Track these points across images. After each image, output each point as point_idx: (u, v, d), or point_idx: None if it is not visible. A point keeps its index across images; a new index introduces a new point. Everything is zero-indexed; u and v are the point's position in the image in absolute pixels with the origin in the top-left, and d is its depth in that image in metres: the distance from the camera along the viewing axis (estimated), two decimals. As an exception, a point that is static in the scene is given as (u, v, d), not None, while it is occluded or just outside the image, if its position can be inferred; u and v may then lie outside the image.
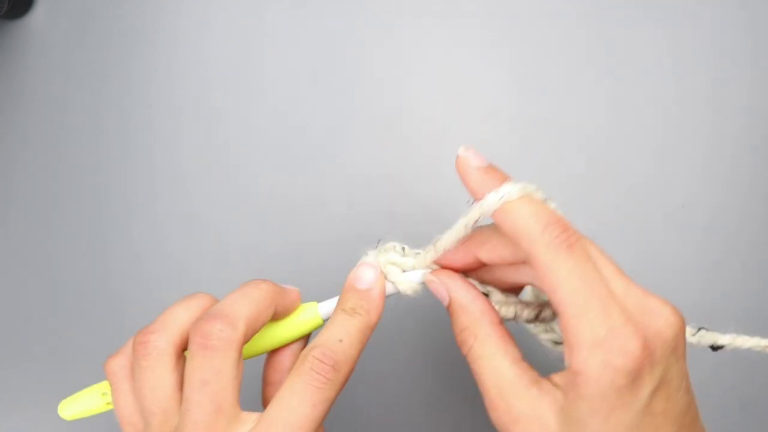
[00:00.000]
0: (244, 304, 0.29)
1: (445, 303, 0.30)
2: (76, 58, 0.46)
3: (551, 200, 0.29)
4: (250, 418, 0.28)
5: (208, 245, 0.44)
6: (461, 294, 0.30)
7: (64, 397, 0.34)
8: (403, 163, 0.44)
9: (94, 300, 0.45)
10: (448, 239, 0.29)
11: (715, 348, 0.31)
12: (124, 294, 0.44)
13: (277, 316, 0.31)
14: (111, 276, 0.45)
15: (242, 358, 0.28)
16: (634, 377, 0.25)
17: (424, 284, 0.31)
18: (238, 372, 0.28)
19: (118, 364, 0.31)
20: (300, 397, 0.27)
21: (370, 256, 0.31)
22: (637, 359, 0.25)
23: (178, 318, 0.30)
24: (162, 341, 0.29)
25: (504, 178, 0.28)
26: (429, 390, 0.43)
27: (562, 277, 0.26)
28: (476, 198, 0.28)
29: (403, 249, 0.31)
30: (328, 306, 0.32)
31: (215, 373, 0.27)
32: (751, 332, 0.43)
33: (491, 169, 0.29)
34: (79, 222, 0.45)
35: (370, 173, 0.44)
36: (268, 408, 0.27)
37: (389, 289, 0.31)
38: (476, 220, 0.28)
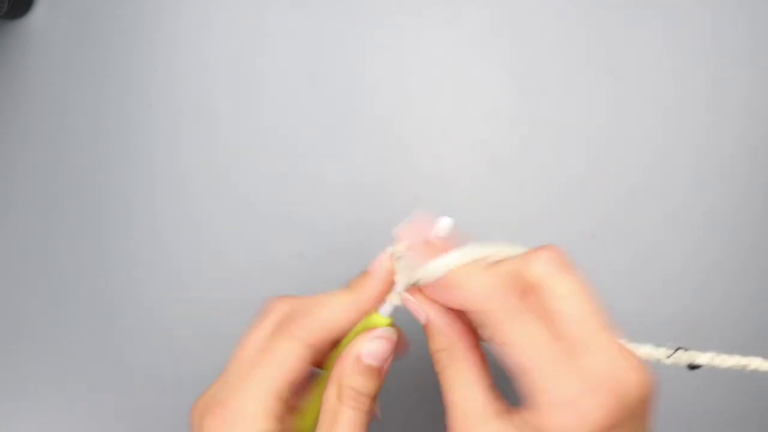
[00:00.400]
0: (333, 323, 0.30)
1: (422, 322, 0.30)
2: (76, 58, 0.46)
3: (491, 247, 0.29)
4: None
5: (208, 245, 0.44)
6: (438, 316, 0.30)
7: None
8: (403, 163, 0.44)
9: (93, 300, 0.45)
10: (401, 284, 0.30)
11: (692, 367, 0.30)
12: (123, 294, 0.44)
13: None
14: (110, 276, 0.45)
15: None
16: None
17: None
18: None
19: None
20: (263, 357, 0.29)
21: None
22: (599, 426, 0.25)
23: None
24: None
25: (451, 246, 0.29)
26: (428, 387, 0.43)
27: (515, 341, 0.26)
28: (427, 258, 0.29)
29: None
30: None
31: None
32: (751, 332, 0.43)
33: (428, 243, 0.29)
34: (79, 222, 0.45)
35: (370, 173, 0.44)
36: None
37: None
38: (416, 282, 0.29)
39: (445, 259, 0.28)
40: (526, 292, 0.27)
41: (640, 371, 0.26)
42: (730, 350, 0.37)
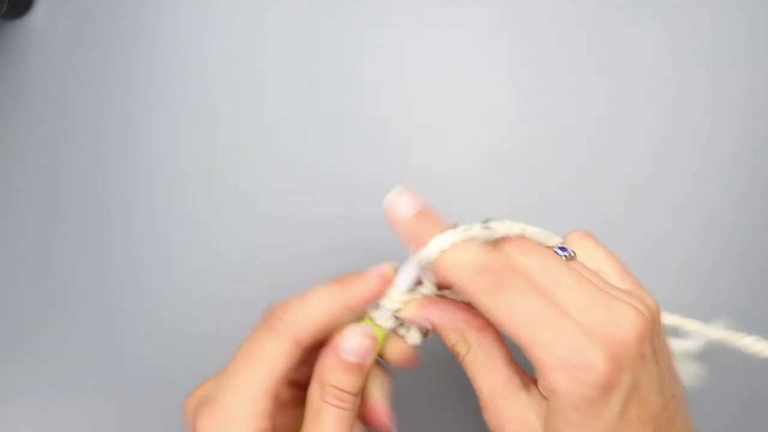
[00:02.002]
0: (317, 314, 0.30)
1: (429, 328, 0.31)
2: (76, 58, 0.46)
3: (495, 221, 0.29)
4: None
5: (207, 245, 0.44)
6: (438, 315, 0.30)
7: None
8: (403, 163, 0.44)
9: (93, 299, 0.44)
10: (399, 289, 0.30)
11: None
12: (123, 294, 0.44)
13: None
14: (110, 276, 0.45)
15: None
16: (604, 390, 0.25)
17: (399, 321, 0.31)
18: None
19: None
20: (248, 345, 0.29)
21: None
22: (603, 373, 0.25)
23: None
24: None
25: (435, 225, 0.28)
26: (428, 384, 0.43)
27: (505, 316, 0.26)
28: (411, 249, 0.29)
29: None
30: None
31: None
32: (752, 332, 0.43)
33: (423, 215, 0.29)
34: (79, 222, 0.45)
35: (370, 173, 0.44)
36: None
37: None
38: (414, 278, 0.30)
39: (438, 240, 0.28)
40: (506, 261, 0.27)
41: (631, 312, 0.26)
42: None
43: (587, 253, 0.31)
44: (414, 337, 0.31)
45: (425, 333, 0.32)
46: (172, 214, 0.45)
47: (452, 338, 0.30)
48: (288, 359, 0.29)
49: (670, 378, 0.28)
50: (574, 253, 0.30)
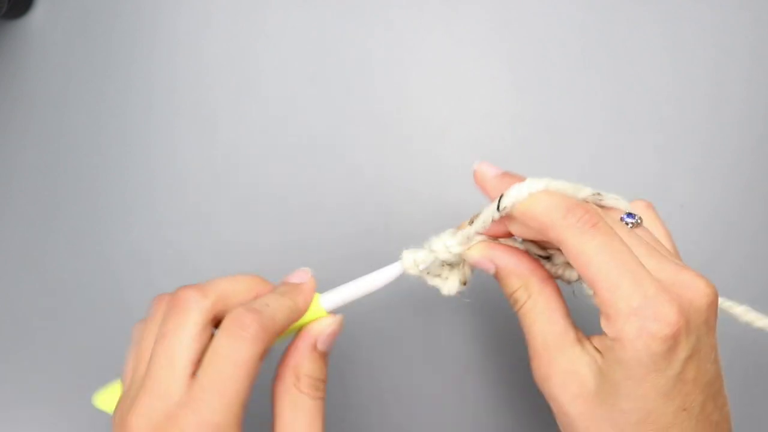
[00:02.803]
0: (222, 281, 0.31)
1: (492, 272, 0.31)
2: (76, 58, 0.46)
3: (581, 187, 0.30)
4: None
5: (208, 245, 0.44)
6: (505, 259, 0.31)
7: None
8: (403, 162, 0.44)
9: (94, 299, 0.44)
10: (476, 227, 0.31)
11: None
12: (123, 293, 0.44)
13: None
14: (110, 276, 0.45)
15: (210, 329, 0.29)
16: (670, 344, 0.26)
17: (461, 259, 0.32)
18: (200, 336, 0.29)
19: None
20: (223, 355, 0.28)
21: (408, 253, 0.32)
22: (673, 325, 0.26)
23: (222, 287, 0.31)
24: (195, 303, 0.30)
25: (521, 179, 0.29)
26: (422, 382, 0.43)
27: (591, 255, 0.27)
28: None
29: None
30: (330, 298, 0.32)
31: (174, 328, 0.29)
32: (752, 332, 0.43)
33: (507, 174, 0.31)
34: (79, 221, 0.45)
35: (370, 173, 0.44)
36: (199, 372, 0.28)
37: (392, 274, 0.32)
38: (496, 216, 0.30)
39: (528, 183, 0.29)
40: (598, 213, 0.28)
41: (704, 280, 0.27)
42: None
43: (650, 224, 0.32)
44: (451, 286, 0.32)
45: (464, 282, 0.32)
46: (173, 213, 0.45)
47: (515, 284, 0.30)
48: (261, 362, 0.29)
49: (718, 355, 0.29)
50: (641, 219, 0.31)
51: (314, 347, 0.31)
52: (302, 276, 0.32)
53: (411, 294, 0.42)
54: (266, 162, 0.45)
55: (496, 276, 0.31)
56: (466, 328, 0.43)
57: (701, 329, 0.27)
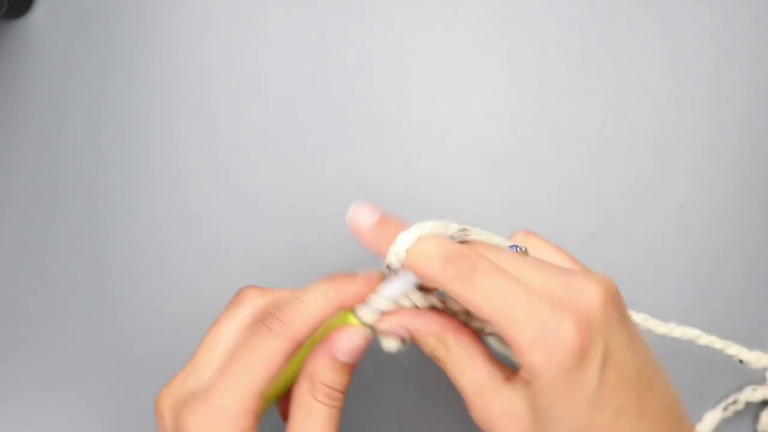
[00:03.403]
0: (294, 295, 0.31)
1: (407, 338, 0.31)
2: (76, 58, 0.46)
3: (448, 224, 0.30)
4: None
5: (208, 246, 0.44)
6: (414, 322, 0.30)
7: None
8: (402, 163, 0.44)
9: (94, 299, 0.45)
10: (382, 296, 0.30)
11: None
12: (123, 293, 0.44)
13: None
14: (110, 276, 0.45)
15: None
16: (579, 358, 0.26)
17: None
18: (244, 330, 0.31)
19: None
20: (246, 345, 0.29)
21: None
22: (575, 340, 0.26)
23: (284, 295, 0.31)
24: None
25: (397, 227, 0.29)
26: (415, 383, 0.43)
27: (479, 299, 0.27)
28: (380, 255, 0.30)
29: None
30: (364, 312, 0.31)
31: (226, 316, 0.32)
32: (753, 332, 0.43)
33: (383, 222, 0.30)
34: (79, 222, 0.45)
35: (370, 173, 0.44)
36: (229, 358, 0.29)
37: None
38: (398, 289, 0.30)
39: (403, 236, 0.29)
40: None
41: (595, 280, 0.28)
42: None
43: (535, 248, 0.32)
44: (391, 344, 0.31)
45: (403, 341, 0.32)
46: (173, 214, 0.45)
47: (431, 342, 0.30)
48: (285, 359, 0.29)
49: (640, 341, 0.29)
50: (525, 248, 0.31)
51: (333, 356, 0.30)
52: (363, 277, 0.31)
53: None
54: (266, 162, 0.45)
55: (411, 340, 0.31)
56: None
57: (606, 330, 0.27)
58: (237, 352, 0.30)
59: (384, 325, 0.31)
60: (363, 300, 0.31)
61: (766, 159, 0.44)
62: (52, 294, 0.45)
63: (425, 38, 0.45)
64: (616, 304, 0.28)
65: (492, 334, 0.31)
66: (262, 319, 0.30)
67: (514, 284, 0.27)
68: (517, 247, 0.31)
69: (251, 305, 0.31)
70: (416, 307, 0.31)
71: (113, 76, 0.45)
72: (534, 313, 0.26)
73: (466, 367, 0.29)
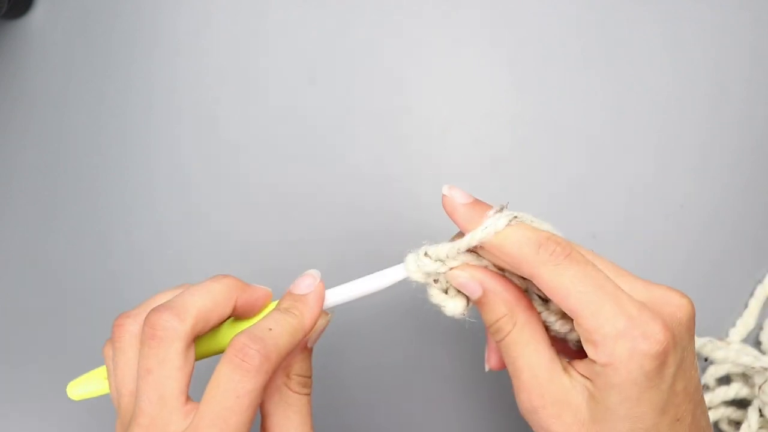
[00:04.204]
0: (198, 297, 0.29)
1: (476, 296, 0.30)
2: (76, 58, 0.46)
3: (539, 221, 0.30)
4: (195, 409, 0.28)
5: (209, 245, 0.44)
6: (493, 284, 0.30)
7: (63, 395, 0.34)
8: (403, 162, 0.44)
9: (95, 299, 0.45)
10: (457, 248, 0.30)
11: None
12: (123, 293, 0.44)
13: (242, 314, 0.31)
14: (111, 276, 0.45)
15: (192, 350, 0.29)
16: (661, 360, 0.26)
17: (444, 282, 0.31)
18: (185, 363, 0.28)
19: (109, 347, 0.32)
20: (225, 387, 0.27)
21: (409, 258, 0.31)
22: (662, 342, 0.26)
23: (198, 306, 0.29)
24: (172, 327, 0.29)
25: (488, 209, 0.30)
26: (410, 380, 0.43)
27: (568, 286, 0.27)
28: (466, 230, 0.30)
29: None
30: (328, 296, 0.32)
31: (158, 362, 0.28)
32: (753, 332, 0.43)
33: (476, 203, 0.30)
34: (80, 221, 0.45)
35: (370, 173, 0.44)
36: (201, 403, 0.28)
37: (380, 284, 0.31)
38: (467, 249, 0.30)
39: (499, 218, 0.29)
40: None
41: (679, 292, 0.28)
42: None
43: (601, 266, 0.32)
44: (458, 305, 0.31)
45: (468, 302, 0.31)
46: (173, 214, 0.45)
47: (501, 311, 0.29)
48: (264, 391, 0.28)
49: (697, 362, 0.29)
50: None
51: (305, 347, 0.31)
52: (309, 283, 0.31)
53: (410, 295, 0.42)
54: (266, 162, 0.45)
55: (480, 301, 0.30)
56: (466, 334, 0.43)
57: (685, 340, 0.27)
58: (212, 393, 0.27)
59: (463, 274, 0.30)
60: (252, 305, 0.31)
61: (765, 159, 0.44)
62: (52, 294, 0.45)
63: (425, 38, 0.45)
64: (694, 318, 0.28)
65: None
66: (241, 356, 0.28)
67: (604, 277, 0.27)
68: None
69: (178, 339, 0.29)
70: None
71: (113, 76, 0.45)
72: (622, 307, 0.26)
73: (529, 347, 0.29)
